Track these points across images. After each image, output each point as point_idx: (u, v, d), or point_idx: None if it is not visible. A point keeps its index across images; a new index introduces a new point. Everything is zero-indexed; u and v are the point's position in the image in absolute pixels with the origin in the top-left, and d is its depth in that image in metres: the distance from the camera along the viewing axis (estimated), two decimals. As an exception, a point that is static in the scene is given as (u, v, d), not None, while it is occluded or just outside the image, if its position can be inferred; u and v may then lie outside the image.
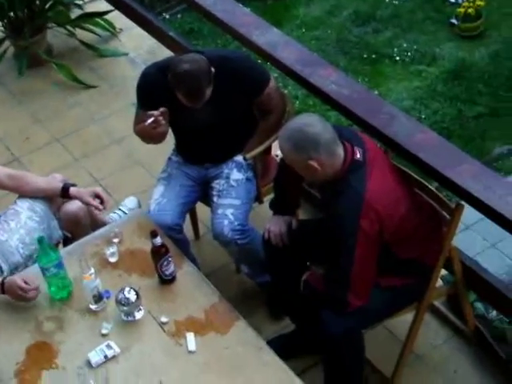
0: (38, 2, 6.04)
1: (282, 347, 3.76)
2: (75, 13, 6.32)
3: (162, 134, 3.95)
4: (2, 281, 3.55)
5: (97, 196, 3.98)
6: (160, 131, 3.89)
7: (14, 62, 6.16)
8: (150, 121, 3.83)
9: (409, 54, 7.27)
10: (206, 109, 3.91)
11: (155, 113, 3.82)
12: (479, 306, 4.16)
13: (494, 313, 4.14)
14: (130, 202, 4.72)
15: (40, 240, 3.49)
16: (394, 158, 3.78)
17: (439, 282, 3.87)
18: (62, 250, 3.81)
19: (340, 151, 3.34)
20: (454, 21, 7.60)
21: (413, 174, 3.62)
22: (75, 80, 5.98)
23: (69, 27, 6.26)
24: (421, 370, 4.01)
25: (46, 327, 3.49)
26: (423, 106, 6.68)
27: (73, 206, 4.10)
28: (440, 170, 3.59)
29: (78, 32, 6.31)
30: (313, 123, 3.31)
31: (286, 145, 3.34)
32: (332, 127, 3.35)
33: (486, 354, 4.03)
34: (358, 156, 3.36)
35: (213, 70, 3.78)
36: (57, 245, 4.03)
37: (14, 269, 3.80)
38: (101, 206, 3.97)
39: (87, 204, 3.98)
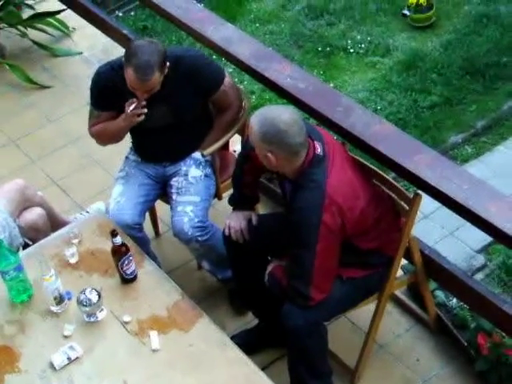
0: (-13, 3, 5.98)
1: (246, 342, 3.78)
2: (27, 13, 6.26)
3: (129, 126, 3.94)
4: None
5: None
6: (140, 119, 3.86)
7: (-35, 64, 6.09)
8: (132, 107, 3.82)
9: (363, 45, 7.30)
10: (161, 108, 3.91)
11: (138, 99, 3.82)
12: (440, 294, 4.20)
13: (455, 300, 4.19)
14: (97, 207, 4.70)
15: (-2, 243, 3.46)
16: (351, 149, 3.80)
17: (399, 272, 3.90)
18: (22, 253, 3.78)
19: (304, 153, 3.34)
20: (406, 12, 7.65)
21: (370, 165, 3.64)
22: (29, 81, 5.93)
23: (21, 27, 6.20)
24: (384, 359, 4.04)
25: (7, 331, 3.46)
26: (379, 97, 6.72)
27: (32, 214, 4.10)
28: (397, 160, 3.61)
29: (31, 32, 6.24)
30: (290, 123, 3.28)
31: (255, 127, 3.33)
32: (305, 129, 3.33)
33: (447, 341, 4.08)
34: (319, 150, 3.37)
35: (167, 63, 3.77)
36: (17, 251, 3.99)
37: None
38: None
39: None
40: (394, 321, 4.19)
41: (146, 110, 3.84)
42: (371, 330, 3.81)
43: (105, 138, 4.10)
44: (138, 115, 3.85)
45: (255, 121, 3.35)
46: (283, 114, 3.32)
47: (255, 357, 3.53)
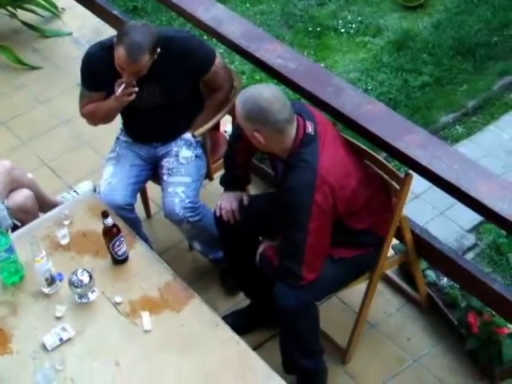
0: (-24, -16, 5.94)
1: (238, 322, 3.79)
2: (16, -7, 6.23)
3: (121, 106, 3.92)
4: None
5: None
6: (131, 98, 3.84)
7: (-47, 44, 6.06)
8: (121, 89, 3.80)
9: (353, 25, 7.26)
10: (152, 88, 3.90)
11: (124, 79, 3.80)
12: (430, 273, 4.21)
13: (445, 280, 4.21)
14: (85, 186, 4.70)
15: (-12, 225, 3.46)
16: (342, 129, 3.80)
17: (390, 252, 3.91)
18: (13, 234, 3.77)
19: (292, 130, 3.33)
20: (397, -9, 7.63)
21: (362, 145, 3.64)
22: (19, 62, 5.90)
23: (10, 8, 6.16)
24: (375, 338, 4.06)
25: (-1, 312, 3.47)
26: (369, 77, 6.69)
27: (20, 195, 4.10)
28: (388, 140, 3.61)
29: (20, 13, 6.21)
30: (271, 99, 3.28)
31: (239, 108, 3.34)
32: (291, 106, 3.34)
33: (438, 320, 4.10)
34: (310, 130, 3.36)
35: (158, 49, 3.76)
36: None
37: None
38: None
39: None
40: (385, 300, 4.21)
41: (136, 89, 3.82)
42: (362, 309, 3.83)
43: (96, 118, 4.09)
44: (129, 95, 3.84)
45: (238, 101, 3.36)
46: (264, 92, 3.32)
47: (247, 337, 3.54)
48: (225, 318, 3.62)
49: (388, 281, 4.26)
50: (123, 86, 3.80)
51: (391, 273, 4.26)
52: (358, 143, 3.64)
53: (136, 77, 3.79)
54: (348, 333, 3.90)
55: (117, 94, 3.82)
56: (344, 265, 3.58)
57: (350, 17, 7.39)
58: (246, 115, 3.32)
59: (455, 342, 3.99)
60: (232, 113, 4.20)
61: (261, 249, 3.69)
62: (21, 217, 4.08)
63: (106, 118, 4.07)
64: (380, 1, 7.61)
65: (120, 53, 3.70)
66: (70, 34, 6.22)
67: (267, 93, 3.32)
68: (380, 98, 6.32)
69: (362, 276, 3.74)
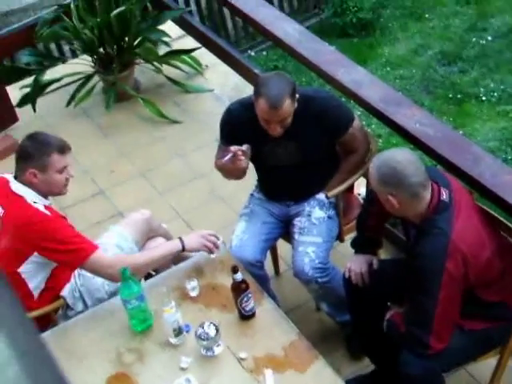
0: (126, 39, 6.16)
1: (361, 387, 3.73)
2: (162, 49, 6.43)
3: (240, 169, 3.96)
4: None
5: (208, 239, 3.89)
6: (238, 167, 3.90)
7: (102, 96, 6.29)
8: (228, 157, 3.86)
9: (495, 94, 7.18)
10: (289, 146, 3.93)
11: (233, 148, 3.85)
12: None
13: None
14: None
15: (123, 272, 3.52)
16: (478, 199, 3.73)
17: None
18: (144, 283, 3.84)
19: (426, 195, 3.31)
20: (542, 61, 7.52)
21: (497, 215, 3.56)
22: (161, 115, 6.07)
23: (156, 63, 6.37)
24: (503, 416, 3.91)
25: (127, 358, 3.52)
26: (509, 147, 6.59)
27: (156, 244, 4.16)
28: (527, 212, 3.53)
29: (165, 68, 6.40)
30: (405, 163, 3.27)
31: (373, 172, 3.35)
32: (425, 170, 3.32)
33: None
34: (444, 197, 3.33)
35: (297, 95, 3.79)
36: (139, 281, 4.05)
37: (98, 303, 3.84)
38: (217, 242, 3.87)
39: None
40: (516, 377, 4.06)
41: (243, 159, 3.85)
42: (491, 384, 3.71)
43: (224, 172, 4.15)
44: (235, 162, 3.86)
45: (373, 165, 3.37)
46: (398, 156, 3.33)
47: (369, 403, 3.48)
48: (348, 382, 3.57)
49: (520, 357, 4.12)
50: (230, 155, 3.84)
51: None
52: (495, 213, 3.56)
53: (282, 127, 3.82)
54: (474, 408, 3.79)
55: (223, 160, 3.87)
56: (473, 337, 3.48)
57: (492, 85, 7.30)
58: (380, 178, 3.32)
59: None
60: (366, 175, 4.19)
61: (388, 315, 3.64)
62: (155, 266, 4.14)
63: (230, 175, 4.13)
64: (524, 70, 7.50)
65: (261, 104, 3.75)
66: (212, 90, 6.36)
67: (401, 156, 3.32)
68: (520, 168, 6.19)
69: (492, 350, 3.63)
